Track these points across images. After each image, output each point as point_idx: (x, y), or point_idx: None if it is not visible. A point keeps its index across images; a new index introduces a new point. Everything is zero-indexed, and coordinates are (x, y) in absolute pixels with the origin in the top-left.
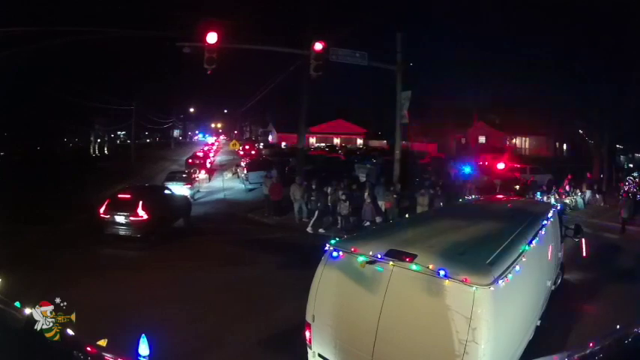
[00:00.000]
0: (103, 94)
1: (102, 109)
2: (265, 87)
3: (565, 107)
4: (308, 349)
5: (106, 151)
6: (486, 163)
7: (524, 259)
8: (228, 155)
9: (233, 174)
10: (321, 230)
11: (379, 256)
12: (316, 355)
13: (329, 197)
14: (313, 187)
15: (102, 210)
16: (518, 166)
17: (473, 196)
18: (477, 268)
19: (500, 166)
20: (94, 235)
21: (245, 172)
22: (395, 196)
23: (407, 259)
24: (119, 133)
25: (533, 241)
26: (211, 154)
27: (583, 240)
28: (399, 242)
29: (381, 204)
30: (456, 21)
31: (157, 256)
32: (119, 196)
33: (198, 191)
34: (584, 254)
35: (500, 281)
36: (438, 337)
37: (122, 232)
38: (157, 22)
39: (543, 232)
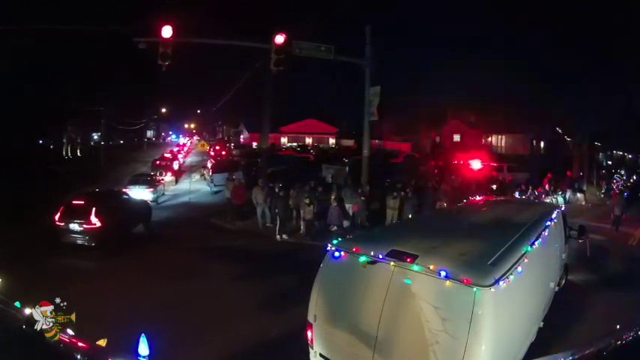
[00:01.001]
0: (74, 95)
1: (74, 111)
2: (234, 86)
3: (545, 105)
4: (310, 349)
5: (78, 153)
6: (461, 162)
7: (526, 261)
8: (199, 156)
9: (201, 176)
10: (284, 236)
11: (380, 257)
12: (318, 355)
13: (290, 201)
14: (277, 190)
15: (57, 217)
16: (495, 164)
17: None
18: (477, 269)
19: (477, 165)
20: (51, 242)
21: (210, 173)
22: (363, 198)
23: (408, 260)
24: (93, 134)
25: (536, 243)
26: (181, 156)
27: (587, 241)
28: (401, 243)
29: (349, 207)
30: (430, 17)
31: (108, 266)
32: (73, 202)
33: (162, 194)
34: (588, 255)
35: (501, 282)
36: (439, 337)
37: (79, 241)
38: (119, 19)
39: (546, 233)
